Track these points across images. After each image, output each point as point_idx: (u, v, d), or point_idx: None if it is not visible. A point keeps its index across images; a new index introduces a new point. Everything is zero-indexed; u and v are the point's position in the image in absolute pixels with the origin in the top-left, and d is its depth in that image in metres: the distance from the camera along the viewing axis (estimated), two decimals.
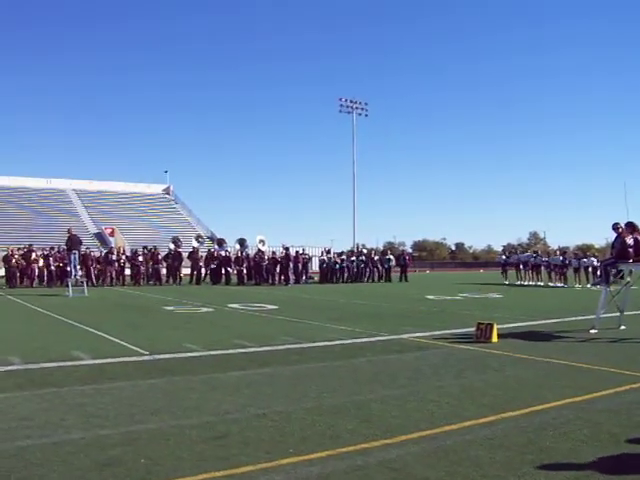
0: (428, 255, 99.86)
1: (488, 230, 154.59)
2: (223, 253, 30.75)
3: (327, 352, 8.39)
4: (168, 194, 62.62)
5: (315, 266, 36.60)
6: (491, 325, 9.33)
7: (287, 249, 30.27)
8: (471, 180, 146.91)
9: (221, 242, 34.89)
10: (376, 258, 33.12)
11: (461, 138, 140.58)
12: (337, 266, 31.31)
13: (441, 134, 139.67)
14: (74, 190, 58.13)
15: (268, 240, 33.64)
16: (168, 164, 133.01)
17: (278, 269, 29.38)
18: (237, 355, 8.10)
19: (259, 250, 30.55)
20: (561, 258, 28.80)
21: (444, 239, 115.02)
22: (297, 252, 31.39)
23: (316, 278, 32.04)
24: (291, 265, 29.63)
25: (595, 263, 26.75)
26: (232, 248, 32.93)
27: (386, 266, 32.26)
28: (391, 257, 33.70)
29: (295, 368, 7.20)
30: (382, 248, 56.60)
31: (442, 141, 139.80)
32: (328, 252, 33.12)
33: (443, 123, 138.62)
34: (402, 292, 23.14)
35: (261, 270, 29.32)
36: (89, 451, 4.13)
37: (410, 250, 42.85)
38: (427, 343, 9.18)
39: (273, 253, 30.72)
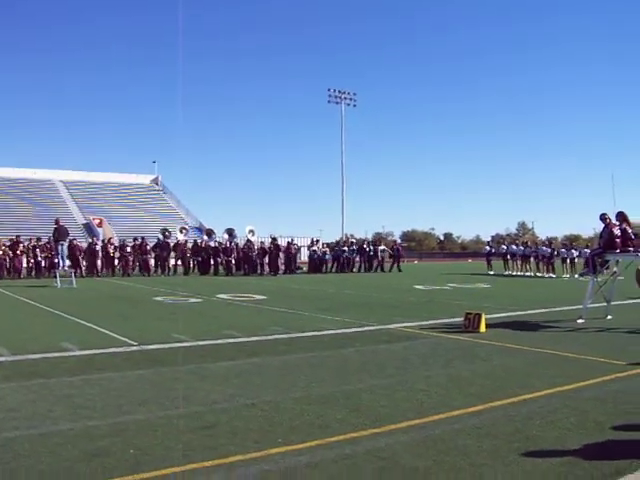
0: (417, 245, 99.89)
1: (476, 220, 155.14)
2: (212, 244, 30.66)
3: (316, 342, 8.40)
4: (156, 184, 62.21)
5: (304, 256, 36.63)
6: (479, 315, 9.34)
7: (275, 239, 30.32)
8: (460, 170, 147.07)
9: (210, 233, 34.74)
10: (367, 248, 33.14)
11: (450, 129, 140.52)
12: (326, 256, 31.43)
13: (430, 125, 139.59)
14: (61, 181, 57.65)
15: (257, 231, 33.24)
16: (156, 154, 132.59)
17: (267, 259, 29.35)
18: (226, 345, 8.10)
19: (248, 240, 30.45)
20: (549, 249, 28.82)
21: (432, 229, 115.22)
22: (288, 242, 31.49)
23: (305, 268, 32.03)
24: (281, 255, 29.69)
25: (575, 254, 27.04)
26: (220, 238, 32.81)
27: (379, 256, 32.38)
28: (384, 247, 33.84)
29: (284, 358, 7.21)
30: (371, 238, 56.40)
31: (431, 131, 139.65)
32: (317, 242, 33.20)
33: (431, 114, 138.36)
34: (391, 282, 23.18)
35: (250, 260, 29.31)
36: (77, 442, 4.11)
37: (399, 240, 42.62)
38: (416, 333, 9.20)
39: (262, 243, 30.78)
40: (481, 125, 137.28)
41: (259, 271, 29.00)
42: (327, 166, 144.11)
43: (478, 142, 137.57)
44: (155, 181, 63.03)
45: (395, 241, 41.07)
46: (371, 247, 33.31)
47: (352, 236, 38.56)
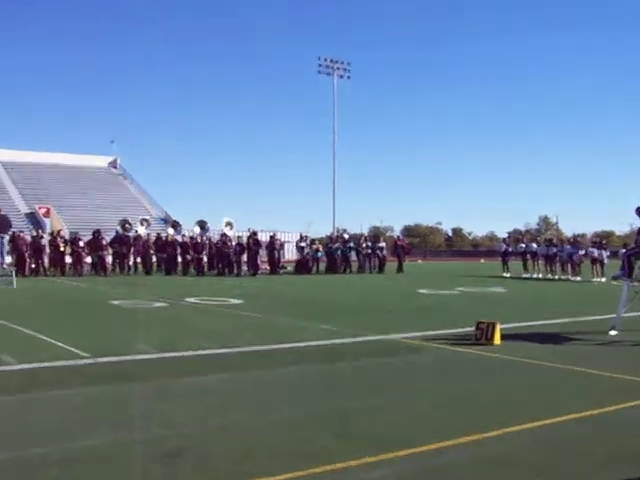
0: (420, 242, 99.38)
1: (490, 213, 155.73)
2: (179, 238, 30.65)
3: (301, 355, 8.42)
4: (115, 168, 61.94)
5: (290, 253, 36.89)
6: (493, 324, 9.36)
7: (254, 233, 30.34)
8: (471, 157, 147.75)
9: (175, 225, 34.90)
10: (365, 245, 33.28)
11: (460, 110, 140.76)
12: (319, 254, 31.79)
13: (437, 103, 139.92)
14: (1, 162, 57.10)
15: (235, 223, 33.80)
16: (115, 133, 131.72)
17: (245, 257, 29.47)
18: (195, 358, 8.09)
19: (223, 234, 30.57)
20: (576, 248, 28.76)
21: (439, 224, 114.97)
22: (270, 237, 31.56)
23: (290, 268, 32.21)
24: (261, 252, 30.02)
25: (607, 254, 27.06)
26: (190, 232, 32.86)
27: (379, 255, 32.69)
28: (383, 245, 34.00)
29: (263, 374, 7.20)
30: (367, 233, 56.22)
31: (438, 112, 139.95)
32: (306, 238, 33.20)
33: (439, 89, 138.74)
34: (391, 285, 23.35)
35: (225, 258, 29.38)
36: (15, 475, 4.03)
37: (400, 236, 42.83)
38: (419, 345, 9.24)
39: (239, 238, 30.87)
40: (494, 106, 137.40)
41: (236, 271, 29.06)
42: (316, 151, 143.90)
43: (492, 125, 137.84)
44: (113, 164, 62.81)
45: (398, 237, 41.15)
46: (369, 244, 33.44)
47: (345, 231, 38.23)
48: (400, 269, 32.83)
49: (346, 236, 34.85)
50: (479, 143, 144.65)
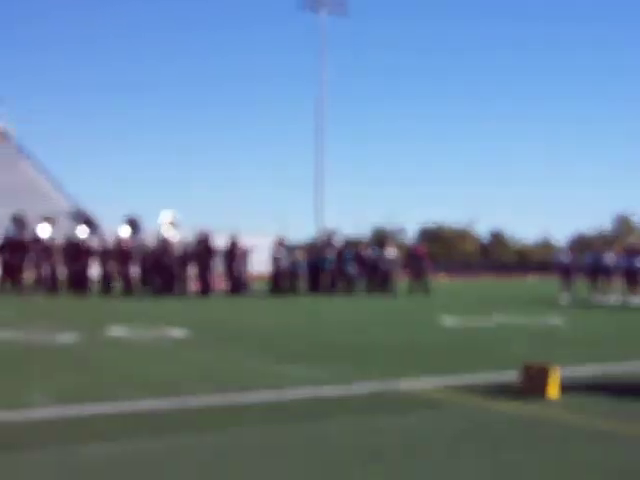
0: (444, 250, 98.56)
1: (545, 213, 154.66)
2: (95, 242, 30.86)
3: (273, 410, 8.38)
4: (4, 140, 61.19)
5: (260, 265, 35.99)
6: (547, 369, 9.40)
7: (206, 236, 30.60)
8: (516, 136, 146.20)
9: (89, 222, 34.82)
10: (366, 253, 33.91)
11: (495, 67, 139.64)
12: (301, 267, 32.35)
13: (462, 56, 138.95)
14: None
15: (180, 221, 34.64)
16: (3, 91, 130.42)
17: (194, 269, 29.73)
18: (113, 416, 7.96)
19: (163, 239, 30.73)
20: None
21: (471, 225, 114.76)
22: (232, 243, 31.72)
23: (262, 285, 32.64)
24: (218, 263, 30.51)
25: None
26: (116, 234, 32.61)
27: (387, 268, 33.41)
28: (393, 253, 34.53)
29: (213, 440, 7.05)
30: (370, 238, 55.65)
31: (466, 68, 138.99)
32: (282, 243, 33.56)
33: (467, 39, 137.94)
34: (403, 311, 23.54)
35: (165, 271, 29.67)
36: None
37: (417, 243, 42.35)
38: (440, 398, 9.21)
39: (185, 243, 31.24)
40: (541, 73, 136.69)
41: (181, 289, 29.30)
42: (295, 124, 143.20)
43: (544, 96, 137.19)
44: (2, 136, 61.96)
45: (415, 245, 42.00)
46: (375, 252, 34.08)
47: (334, 233, 37.68)
48: (420, 288, 33.16)
49: (337, 241, 35.28)
50: (530, 117, 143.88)
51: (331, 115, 56.95)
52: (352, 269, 33.55)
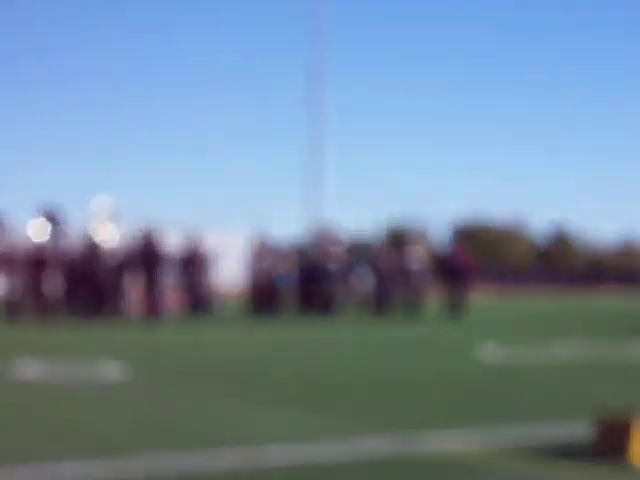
0: (487, 253, 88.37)
1: (627, 209, 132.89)
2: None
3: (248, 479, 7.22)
4: None
5: (230, 274, 32.78)
6: (630, 422, 8.09)
7: (151, 235, 27.12)
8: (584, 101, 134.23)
9: (51, 215, 29.84)
10: (387, 260, 30.91)
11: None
12: (286, 279, 29.32)
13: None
14: None
15: (121, 215, 29.31)
16: None
17: (139, 281, 26.92)
18: None
19: (91, 240, 26.95)
20: None
21: (523, 223, 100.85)
22: (192, 245, 28.28)
23: (235, 303, 30.46)
24: (172, 272, 27.54)
25: None
26: (26, 231, 28.29)
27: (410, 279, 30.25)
28: (419, 261, 31.42)
29: None
30: (381, 239, 50.97)
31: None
32: (260, 246, 30.15)
33: None
34: (431, 338, 22.16)
35: (96, 284, 26.54)
36: None
37: (452, 247, 38.36)
38: (478, 461, 7.89)
39: (124, 245, 27.81)
40: None
41: (117, 309, 26.54)
42: (280, 90, 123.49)
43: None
44: None
45: (452, 249, 38.02)
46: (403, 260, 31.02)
47: (333, 231, 33.41)
48: (455, 309, 29.40)
49: (340, 242, 31.60)
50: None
51: (331, 76, 48.84)
52: (362, 281, 30.25)
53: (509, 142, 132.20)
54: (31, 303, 25.51)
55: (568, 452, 8.21)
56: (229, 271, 31.54)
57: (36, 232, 26.53)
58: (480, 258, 68.36)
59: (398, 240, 41.78)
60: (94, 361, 15.70)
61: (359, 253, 31.58)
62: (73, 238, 27.56)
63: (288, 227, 70.85)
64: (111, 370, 14.44)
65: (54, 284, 25.63)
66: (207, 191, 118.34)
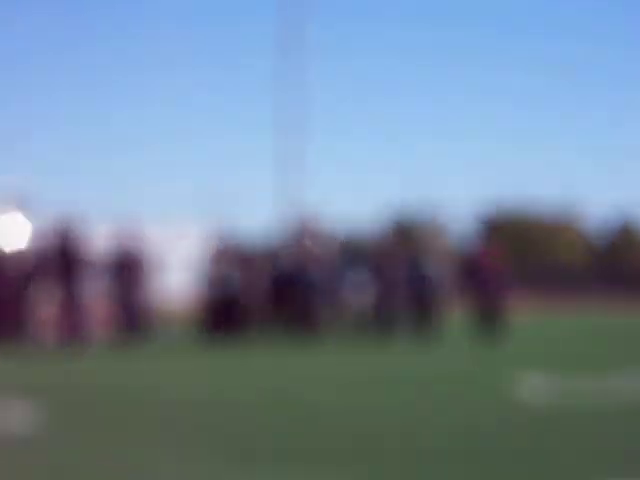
0: (527, 252, 79.81)
1: None
2: None
3: None
4: None
5: (177, 284, 28.67)
6: None
7: (71, 231, 23.25)
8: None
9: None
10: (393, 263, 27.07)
11: None
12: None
13: None
14: None
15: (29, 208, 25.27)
16: None
17: (53, 295, 23.50)
18: None
19: None
20: None
21: (575, 214, 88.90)
22: (124, 244, 24.13)
23: (177, 326, 27.38)
24: (96, 283, 23.61)
25: None
26: None
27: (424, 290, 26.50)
28: (437, 254, 29.13)
29: None
30: (384, 234, 46.15)
31: None
32: (223, 244, 26.10)
33: None
34: (451, 370, 18.64)
35: None
36: None
37: (482, 245, 36.35)
38: None
39: (36, 247, 24.05)
40: None
41: (23, 333, 22.93)
42: (251, 48, 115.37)
43: None
44: None
45: (480, 249, 34.03)
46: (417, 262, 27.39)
47: (313, 223, 28.54)
48: (486, 329, 25.08)
49: (326, 238, 27.35)
50: None
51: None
52: (356, 292, 25.99)
53: (557, 115, 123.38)
54: None
55: None
56: (176, 280, 27.01)
57: None
58: (518, 258, 61.55)
59: (406, 236, 36.89)
60: None
61: (353, 254, 27.46)
62: None
63: (257, 220, 62.33)
64: (16, 412, 11.57)
65: None
66: (149, 174, 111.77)
